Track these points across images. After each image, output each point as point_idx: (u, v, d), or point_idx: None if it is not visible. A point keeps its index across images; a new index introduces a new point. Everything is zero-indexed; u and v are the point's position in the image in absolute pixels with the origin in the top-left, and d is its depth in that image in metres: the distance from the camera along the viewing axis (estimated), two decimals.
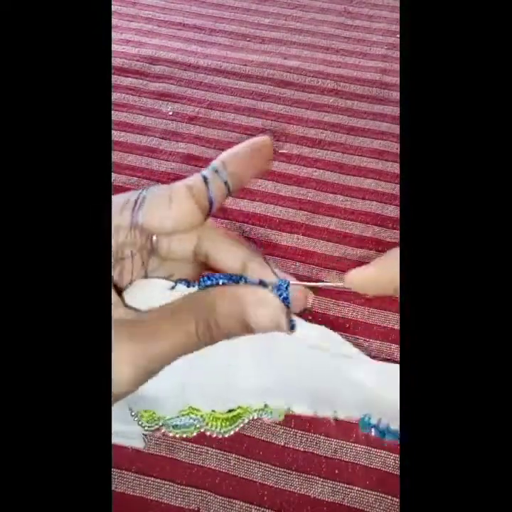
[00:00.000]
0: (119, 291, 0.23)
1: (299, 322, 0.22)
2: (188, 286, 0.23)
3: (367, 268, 0.21)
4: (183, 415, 0.24)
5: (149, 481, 0.46)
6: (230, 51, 0.87)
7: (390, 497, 0.45)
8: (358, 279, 0.22)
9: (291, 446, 0.47)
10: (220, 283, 0.23)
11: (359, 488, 0.45)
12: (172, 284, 0.23)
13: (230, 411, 0.24)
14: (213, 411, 0.24)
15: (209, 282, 0.23)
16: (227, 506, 0.45)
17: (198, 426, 0.24)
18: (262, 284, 0.23)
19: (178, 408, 0.24)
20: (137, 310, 0.22)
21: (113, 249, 0.22)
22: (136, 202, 0.22)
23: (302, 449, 0.47)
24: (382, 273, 0.21)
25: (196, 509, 0.45)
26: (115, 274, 0.23)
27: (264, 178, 0.69)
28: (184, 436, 0.24)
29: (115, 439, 0.25)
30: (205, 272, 0.25)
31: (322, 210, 0.65)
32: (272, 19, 0.94)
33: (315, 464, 0.46)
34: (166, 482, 0.46)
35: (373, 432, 0.23)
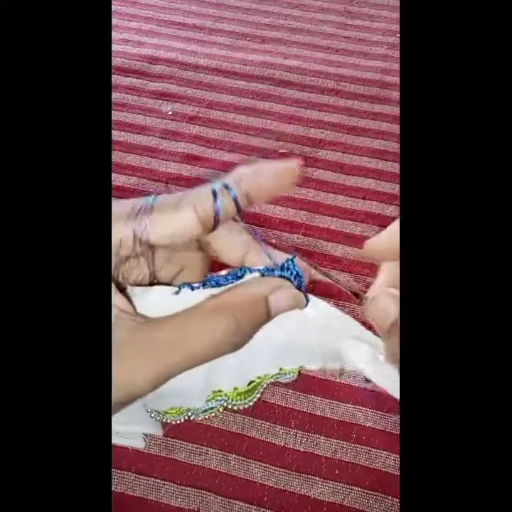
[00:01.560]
0: (123, 291, 0.23)
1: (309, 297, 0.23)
2: (192, 290, 0.23)
3: (380, 236, 0.22)
4: (209, 400, 0.25)
5: (149, 482, 0.46)
6: (230, 51, 0.87)
7: (390, 497, 0.45)
8: (374, 246, 0.23)
9: (291, 446, 0.47)
10: (224, 282, 0.23)
11: (359, 489, 0.45)
12: (176, 289, 0.23)
13: (250, 383, 0.25)
14: (235, 388, 0.25)
15: (213, 283, 0.23)
16: (227, 506, 0.45)
17: (224, 404, 0.25)
18: (267, 270, 0.23)
19: (204, 397, 0.25)
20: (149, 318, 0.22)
21: (117, 255, 0.22)
22: (142, 209, 0.22)
23: (302, 450, 0.47)
24: (394, 238, 0.22)
25: (196, 509, 0.45)
26: (120, 276, 0.23)
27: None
28: (212, 415, 0.26)
29: (115, 440, 0.25)
30: (208, 274, 0.25)
31: (322, 210, 0.65)
32: (272, 19, 0.94)
33: (315, 464, 0.46)
34: (165, 482, 0.46)
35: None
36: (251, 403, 0.25)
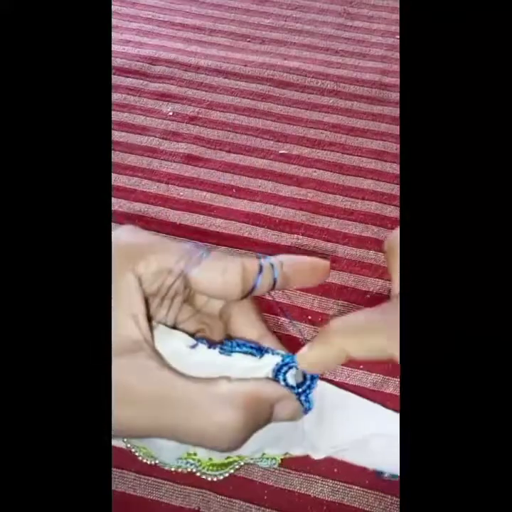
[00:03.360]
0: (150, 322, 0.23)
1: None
2: (209, 347, 0.23)
3: (310, 347, 0.22)
4: (180, 459, 0.24)
5: (149, 481, 0.46)
6: (230, 52, 0.87)
7: (389, 496, 0.45)
8: (305, 361, 0.22)
9: None
10: (243, 349, 0.23)
11: (359, 488, 0.45)
12: (194, 342, 0.23)
13: (227, 457, 0.24)
14: (211, 458, 0.24)
15: (230, 349, 0.23)
16: (227, 506, 0.45)
17: (194, 470, 0.24)
18: (289, 358, 0.23)
19: (176, 456, 0.24)
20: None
21: (159, 285, 0.23)
22: (196, 257, 0.23)
23: None
24: (324, 350, 0.22)
25: (196, 509, 0.45)
26: (153, 307, 0.24)
27: (263, 178, 0.69)
28: (179, 470, 0.25)
29: (114, 442, 0.25)
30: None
31: (322, 210, 0.65)
32: (272, 20, 0.94)
33: (314, 463, 0.46)
34: (166, 482, 0.46)
35: (386, 476, 0.25)
36: (221, 477, 0.24)
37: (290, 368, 0.23)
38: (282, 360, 0.23)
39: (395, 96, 0.79)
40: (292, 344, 0.24)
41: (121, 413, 0.20)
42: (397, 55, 0.87)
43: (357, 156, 0.72)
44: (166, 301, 0.24)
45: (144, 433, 0.21)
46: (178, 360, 0.22)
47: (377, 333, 0.21)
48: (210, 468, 0.24)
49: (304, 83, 0.82)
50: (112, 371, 0.20)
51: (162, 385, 0.21)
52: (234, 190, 0.67)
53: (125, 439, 0.25)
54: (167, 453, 0.24)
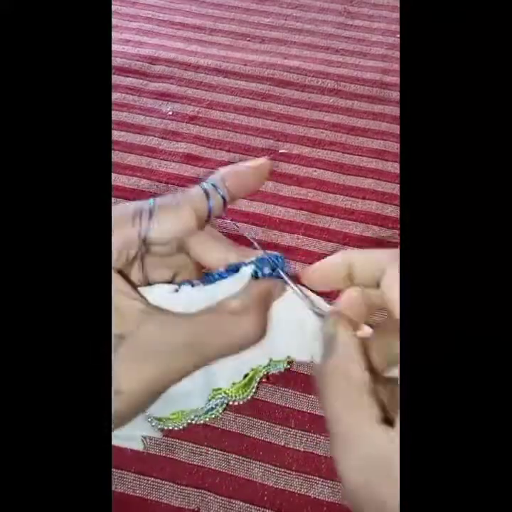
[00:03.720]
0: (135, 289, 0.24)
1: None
2: (193, 286, 0.25)
3: (315, 265, 0.25)
4: (210, 399, 0.26)
5: (149, 481, 0.46)
6: (230, 51, 0.87)
7: None
8: (310, 276, 0.25)
9: (291, 446, 0.47)
10: (224, 276, 0.25)
11: None
12: (175, 287, 0.25)
13: (245, 376, 0.26)
14: (233, 383, 0.26)
15: (212, 278, 0.25)
16: (227, 506, 0.45)
17: (225, 402, 0.27)
18: (258, 261, 0.25)
19: (205, 396, 0.26)
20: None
21: (122, 257, 0.24)
22: (145, 212, 0.24)
23: (302, 449, 0.47)
24: (330, 265, 0.25)
25: (196, 509, 0.45)
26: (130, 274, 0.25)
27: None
28: (213, 417, 0.27)
29: (114, 441, 0.26)
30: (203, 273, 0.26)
31: (322, 210, 0.65)
32: (272, 19, 0.94)
33: (315, 464, 0.46)
34: (165, 482, 0.46)
35: None
36: (249, 397, 0.26)
37: (259, 267, 0.25)
38: (257, 266, 0.25)
39: (396, 95, 0.79)
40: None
41: (166, 367, 0.22)
42: (398, 54, 0.87)
43: (357, 155, 0.72)
44: (135, 264, 0.25)
45: (184, 372, 0.23)
46: (169, 308, 0.24)
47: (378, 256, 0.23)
48: (237, 393, 0.26)
49: (304, 82, 0.82)
50: (144, 338, 0.21)
51: (185, 327, 0.23)
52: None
53: (150, 419, 0.27)
54: (197, 401, 0.26)
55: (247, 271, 0.25)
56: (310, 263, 0.65)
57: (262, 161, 0.26)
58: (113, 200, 0.64)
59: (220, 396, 0.26)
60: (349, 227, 0.64)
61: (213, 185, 0.25)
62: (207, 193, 0.25)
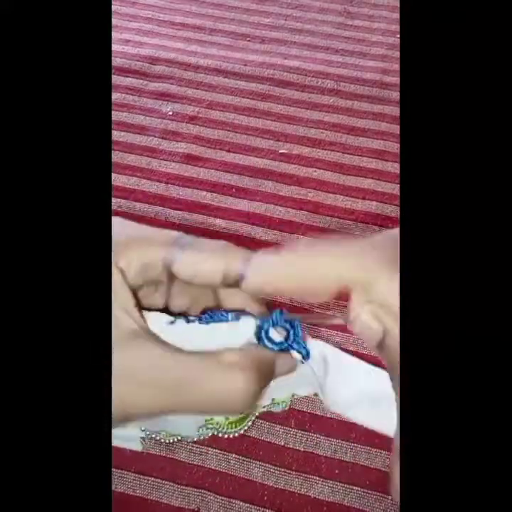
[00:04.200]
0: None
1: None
2: (188, 322, 0.23)
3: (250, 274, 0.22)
4: (200, 428, 0.25)
5: (149, 481, 0.46)
6: (230, 51, 0.87)
7: (389, 497, 0.45)
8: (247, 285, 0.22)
9: (291, 446, 0.47)
10: (220, 319, 0.23)
11: (359, 488, 0.45)
12: (171, 319, 0.23)
13: (241, 412, 0.25)
14: (227, 418, 0.25)
15: (209, 319, 0.24)
16: (227, 506, 0.45)
17: (215, 433, 0.25)
18: (265, 320, 0.23)
19: (196, 426, 0.25)
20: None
21: (142, 277, 0.23)
22: (181, 244, 0.23)
23: (302, 449, 0.47)
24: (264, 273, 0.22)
25: (196, 509, 0.45)
26: (141, 295, 0.24)
27: (264, 178, 0.69)
28: (201, 438, 0.26)
29: (113, 442, 0.26)
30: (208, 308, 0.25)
31: (322, 210, 0.65)
32: (272, 19, 0.94)
33: (315, 463, 0.46)
34: (165, 482, 0.46)
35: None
36: (241, 431, 0.25)
37: (269, 327, 0.23)
38: (260, 322, 0.23)
39: (396, 95, 0.79)
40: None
41: (134, 398, 0.20)
42: (398, 54, 0.87)
43: (357, 155, 0.72)
44: (151, 287, 0.24)
45: (160, 412, 0.21)
46: (163, 338, 0.22)
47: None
48: (229, 426, 0.25)
49: (304, 82, 0.82)
50: (118, 361, 0.20)
51: (169, 365, 0.21)
52: (234, 190, 0.67)
53: (143, 428, 0.26)
54: (187, 427, 0.26)
55: (249, 324, 0.23)
56: None
57: None
58: (113, 200, 0.64)
59: (211, 426, 0.25)
60: (349, 227, 0.64)
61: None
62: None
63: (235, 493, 0.45)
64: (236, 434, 0.26)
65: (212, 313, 0.24)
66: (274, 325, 0.23)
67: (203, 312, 0.24)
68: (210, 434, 0.26)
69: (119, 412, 0.20)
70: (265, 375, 0.22)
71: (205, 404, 0.21)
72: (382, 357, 0.21)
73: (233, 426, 0.26)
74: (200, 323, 0.23)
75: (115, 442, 0.26)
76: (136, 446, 0.34)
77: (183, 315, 0.24)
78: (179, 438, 0.26)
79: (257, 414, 0.26)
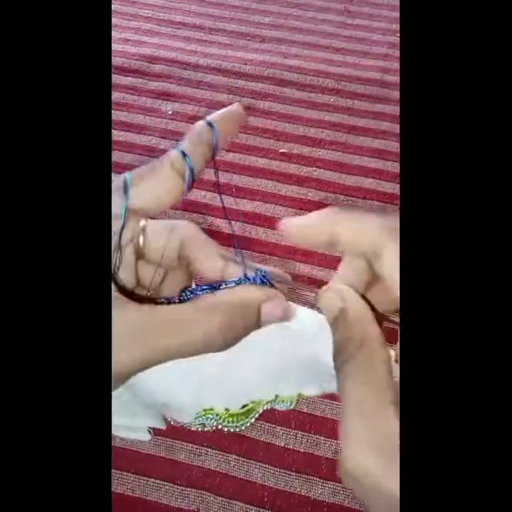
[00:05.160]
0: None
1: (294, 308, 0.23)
2: (169, 304, 0.24)
3: (302, 217, 0.24)
4: (199, 417, 0.25)
5: (149, 482, 0.45)
6: (230, 50, 0.87)
7: None
8: (291, 226, 0.24)
9: (291, 447, 0.47)
10: (200, 293, 0.24)
11: None
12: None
13: (243, 406, 0.25)
14: (227, 409, 0.25)
15: (190, 295, 0.24)
16: (227, 507, 0.44)
17: (215, 423, 0.25)
18: (242, 282, 0.24)
19: (193, 413, 0.25)
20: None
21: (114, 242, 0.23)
22: (122, 186, 0.23)
23: (302, 450, 0.47)
24: (316, 221, 0.24)
25: (196, 509, 0.45)
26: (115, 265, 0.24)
27: (264, 177, 0.68)
28: (200, 429, 0.26)
29: (121, 433, 0.26)
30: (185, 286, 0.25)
31: None
32: (272, 18, 0.94)
33: (315, 464, 0.46)
34: (165, 483, 0.45)
35: None
36: (243, 427, 0.25)
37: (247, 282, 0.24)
38: (235, 283, 0.24)
39: (396, 94, 0.79)
40: None
41: (117, 356, 0.20)
42: (398, 53, 0.86)
43: (358, 155, 0.71)
44: (120, 254, 0.24)
45: (144, 364, 0.21)
46: None
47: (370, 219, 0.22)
48: (230, 419, 0.25)
49: (305, 82, 0.81)
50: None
51: (145, 317, 0.21)
52: (234, 190, 0.67)
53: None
54: (183, 415, 0.26)
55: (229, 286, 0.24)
56: (310, 263, 0.65)
57: (233, 108, 0.26)
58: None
59: (211, 416, 0.25)
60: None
61: (183, 153, 0.25)
62: (183, 153, 0.24)
63: (234, 493, 0.45)
64: (237, 430, 0.26)
65: (192, 290, 0.24)
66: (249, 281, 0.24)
67: (181, 292, 0.24)
68: (210, 425, 0.25)
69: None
70: (245, 318, 0.22)
71: (182, 347, 0.21)
72: (333, 333, 0.22)
73: (234, 420, 0.25)
74: (180, 302, 0.24)
75: (122, 434, 0.26)
76: (144, 436, 0.34)
77: (163, 298, 0.24)
78: (184, 423, 0.26)
79: (260, 411, 0.26)
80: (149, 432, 0.30)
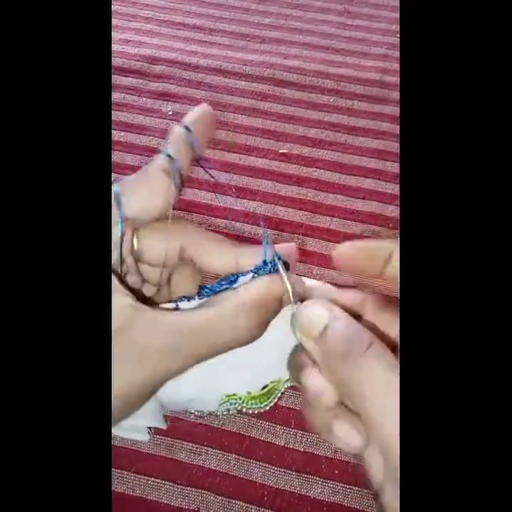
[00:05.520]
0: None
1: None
2: (189, 301, 0.24)
3: (356, 242, 0.24)
4: (223, 404, 0.25)
5: (149, 481, 0.45)
6: (230, 51, 0.87)
7: None
8: (344, 254, 0.24)
9: (291, 446, 0.47)
10: (219, 289, 0.24)
11: (359, 489, 0.45)
12: (173, 305, 0.24)
13: (264, 387, 0.25)
14: (249, 392, 0.25)
15: (209, 292, 0.24)
16: (227, 506, 0.45)
17: (238, 408, 0.25)
18: (258, 270, 0.24)
19: (216, 401, 0.25)
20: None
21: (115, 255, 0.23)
22: (114, 198, 0.24)
23: (302, 449, 0.47)
24: (366, 254, 0.23)
25: (196, 509, 0.45)
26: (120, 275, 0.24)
27: (264, 177, 0.69)
28: (225, 414, 0.26)
29: (120, 433, 0.26)
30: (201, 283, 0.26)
31: (322, 210, 0.65)
32: (272, 19, 0.94)
33: (315, 464, 0.46)
34: (165, 482, 0.45)
35: None
36: (267, 407, 0.25)
37: (259, 275, 0.24)
38: (254, 274, 0.24)
39: (396, 95, 0.79)
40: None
41: (148, 368, 0.21)
42: (398, 53, 0.87)
43: (357, 155, 0.72)
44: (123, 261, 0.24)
45: (180, 369, 0.22)
46: None
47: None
48: (252, 402, 0.25)
49: (304, 82, 0.82)
50: (130, 337, 0.21)
51: (173, 328, 0.22)
52: (234, 190, 0.67)
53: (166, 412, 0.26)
54: (207, 403, 0.26)
55: (245, 281, 0.24)
56: (310, 263, 0.65)
57: (202, 108, 0.28)
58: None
59: (234, 401, 0.25)
60: (349, 227, 0.64)
61: (169, 156, 0.25)
62: (170, 156, 0.25)
63: (234, 493, 0.45)
64: (262, 411, 0.26)
65: (210, 287, 0.24)
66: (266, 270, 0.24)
67: (200, 289, 0.25)
68: (234, 409, 0.26)
69: (148, 387, 0.21)
70: (268, 310, 0.23)
71: (213, 352, 0.22)
72: (320, 347, 0.22)
73: (257, 401, 0.26)
74: (200, 298, 0.24)
75: (121, 433, 0.26)
76: (143, 437, 0.34)
77: (182, 297, 0.24)
78: (208, 413, 0.26)
79: (281, 389, 0.26)
80: (148, 432, 0.30)
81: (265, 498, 0.45)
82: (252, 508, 0.44)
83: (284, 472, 0.46)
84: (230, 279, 0.24)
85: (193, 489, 0.45)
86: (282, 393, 0.26)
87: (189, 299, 0.24)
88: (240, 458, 0.46)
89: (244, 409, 0.26)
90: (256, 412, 0.25)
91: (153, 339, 0.21)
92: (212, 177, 0.28)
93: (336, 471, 0.46)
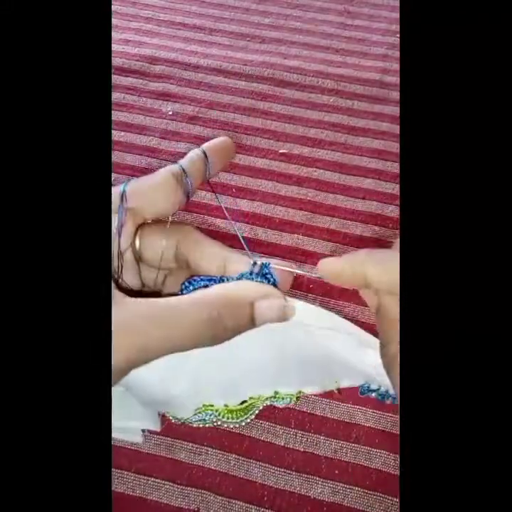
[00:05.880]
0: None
1: (295, 303, 0.23)
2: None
3: (337, 260, 0.24)
4: (199, 413, 0.25)
5: (149, 481, 0.45)
6: (230, 51, 0.87)
7: (389, 497, 0.45)
8: (327, 268, 0.24)
9: (291, 446, 0.47)
10: (202, 286, 0.24)
11: (359, 489, 0.45)
12: None
13: (242, 402, 0.25)
14: (226, 405, 0.25)
15: (191, 288, 0.24)
16: (227, 506, 0.45)
17: (214, 420, 0.25)
18: (243, 276, 0.23)
19: (191, 408, 0.25)
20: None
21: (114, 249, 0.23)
22: (121, 198, 0.24)
23: (302, 450, 0.47)
24: (349, 266, 0.24)
25: (196, 509, 0.45)
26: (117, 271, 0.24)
27: (264, 178, 0.69)
28: (201, 425, 0.26)
29: (114, 434, 0.26)
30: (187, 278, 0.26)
31: (322, 210, 0.65)
32: (272, 19, 0.94)
33: (315, 464, 0.46)
34: (165, 482, 0.45)
35: (374, 395, 0.26)
36: (243, 423, 0.25)
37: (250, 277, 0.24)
38: (237, 279, 0.24)
39: (396, 95, 0.79)
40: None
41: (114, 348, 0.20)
42: (398, 53, 0.87)
43: (358, 155, 0.72)
44: (120, 260, 0.24)
45: (141, 355, 0.21)
46: None
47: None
48: (229, 415, 0.25)
49: (304, 82, 0.82)
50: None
51: (145, 307, 0.22)
52: (234, 190, 0.67)
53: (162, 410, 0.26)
54: (183, 408, 0.25)
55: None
56: (310, 263, 0.65)
57: (223, 140, 0.28)
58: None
59: (210, 412, 0.25)
60: (349, 227, 0.64)
61: (183, 169, 0.26)
62: (182, 168, 0.25)
63: (234, 493, 0.45)
64: (237, 426, 0.26)
65: (191, 281, 0.24)
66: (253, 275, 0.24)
67: (182, 284, 0.25)
68: (209, 421, 0.26)
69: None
70: (236, 313, 0.22)
71: (177, 336, 0.21)
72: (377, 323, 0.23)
73: (233, 416, 0.26)
74: (183, 293, 0.24)
75: (116, 435, 0.26)
76: (137, 439, 0.34)
77: (168, 294, 0.25)
78: (184, 420, 0.26)
79: (260, 407, 0.26)
80: (142, 435, 0.30)
81: (265, 498, 0.45)
82: (252, 508, 0.44)
83: (284, 472, 0.46)
84: (214, 279, 0.24)
85: (193, 489, 0.45)
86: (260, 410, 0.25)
87: (176, 294, 0.24)
88: (240, 458, 0.46)
89: (219, 422, 0.25)
90: (231, 427, 0.25)
91: (117, 317, 0.21)
92: (218, 201, 0.30)
93: (336, 471, 0.46)
